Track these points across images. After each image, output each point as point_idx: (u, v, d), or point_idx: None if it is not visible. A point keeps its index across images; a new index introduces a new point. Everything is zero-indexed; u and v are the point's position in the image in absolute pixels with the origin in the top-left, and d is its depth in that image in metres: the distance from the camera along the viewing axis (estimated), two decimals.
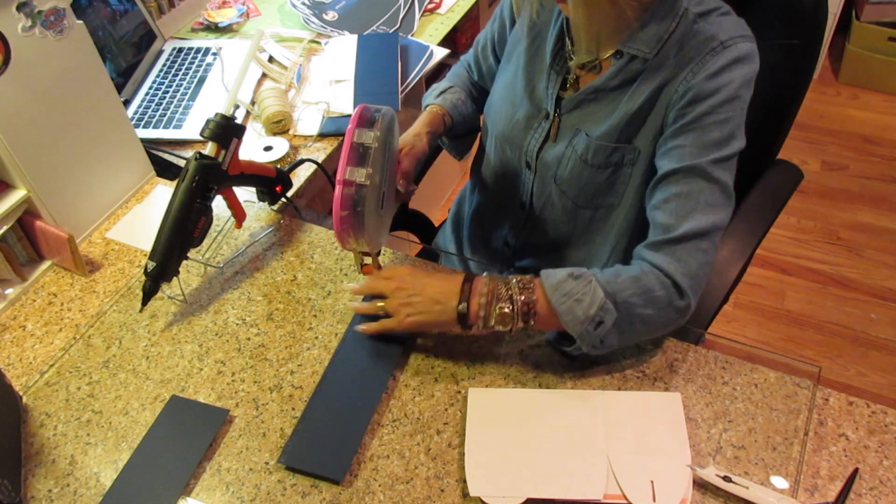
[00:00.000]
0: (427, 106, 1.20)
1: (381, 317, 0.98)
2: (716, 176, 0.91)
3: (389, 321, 0.96)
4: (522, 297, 0.89)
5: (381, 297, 0.99)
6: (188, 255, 1.06)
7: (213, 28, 1.71)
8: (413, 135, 1.11)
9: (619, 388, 0.94)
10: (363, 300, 1.04)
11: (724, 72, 0.90)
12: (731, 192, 0.93)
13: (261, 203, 1.23)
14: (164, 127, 1.42)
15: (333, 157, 1.38)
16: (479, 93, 1.26)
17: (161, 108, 1.47)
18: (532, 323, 0.90)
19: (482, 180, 1.23)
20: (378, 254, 1.03)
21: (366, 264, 1.04)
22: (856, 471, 0.83)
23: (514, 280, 0.91)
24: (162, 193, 1.28)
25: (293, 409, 0.94)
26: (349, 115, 1.42)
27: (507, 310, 0.89)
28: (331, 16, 1.72)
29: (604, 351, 0.92)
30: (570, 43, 1.00)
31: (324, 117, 1.42)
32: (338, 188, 0.90)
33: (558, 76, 1.02)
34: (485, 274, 0.93)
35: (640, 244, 0.94)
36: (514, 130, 1.09)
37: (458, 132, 1.24)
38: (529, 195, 1.12)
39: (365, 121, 0.92)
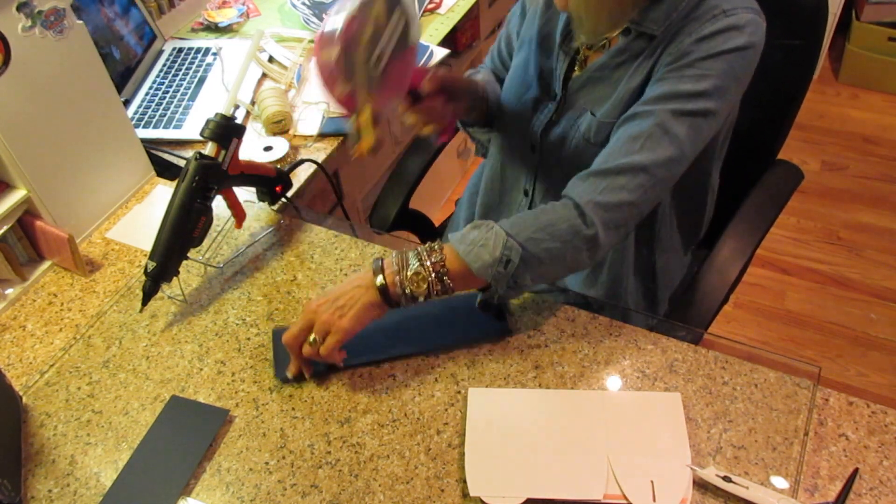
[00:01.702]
0: None
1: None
2: (668, 125, 0.90)
3: (330, 337, 0.90)
4: (432, 258, 0.90)
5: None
6: (188, 255, 1.06)
7: (213, 28, 1.71)
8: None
9: (619, 389, 0.94)
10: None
11: (717, 35, 0.89)
12: (683, 146, 0.92)
13: (261, 203, 1.23)
14: (164, 127, 1.42)
15: (333, 157, 1.38)
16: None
17: (161, 108, 1.47)
18: (448, 281, 0.90)
19: (488, 171, 1.23)
20: (378, 122, 0.94)
21: (363, 140, 0.94)
22: (856, 471, 0.83)
23: (421, 247, 0.92)
24: (162, 193, 1.28)
25: (293, 409, 0.94)
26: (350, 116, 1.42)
27: (421, 272, 0.89)
28: None
29: (520, 292, 0.94)
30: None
31: (324, 117, 1.42)
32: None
33: (566, 56, 1.02)
34: (393, 253, 0.93)
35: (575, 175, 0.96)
36: (523, 110, 1.09)
37: (488, 109, 1.18)
38: (534, 180, 1.12)
39: None
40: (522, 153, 1.12)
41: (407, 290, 0.90)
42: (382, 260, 0.92)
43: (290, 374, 0.96)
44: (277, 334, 1.01)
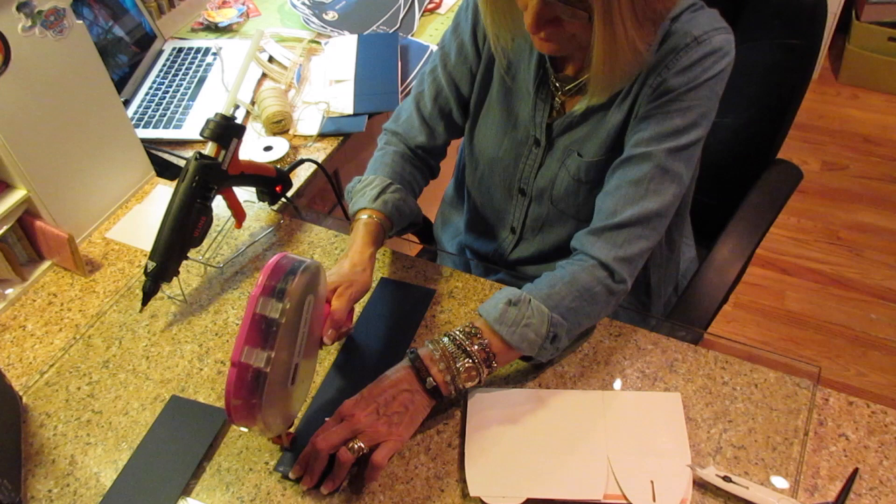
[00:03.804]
0: (359, 211, 1.02)
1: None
2: (668, 165, 0.91)
3: (387, 446, 0.84)
4: (476, 347, 0.87)
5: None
6: (188, 255, 1.06)
7: (213, 28, 1.71)
8: (351, 265, 0.95)
9: (619, 389, 0.94)
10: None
11: (695, 65, 0.89)
12: (683, 181, 0.93)
13: (261, 203, 1.23)
14: (164, 127, 1.42)
15: (334, 157, 1.38)
16: (420, 169, 1.13)
17: (161, 108, 1.47)
18: (495, 364, 0.88)
19: (472, 202, 1.21)
20: (290, 425, 0.88)
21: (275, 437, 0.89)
22: (856, 471, 0.83)
23: (459, 333, 0.88)
24: (162, 193, 1.28)
25: None
26: (349, 115, 1.42)
27: (469, 364, 0.86)
28: (331, 16, 1.72)
29: (557, 353, 0.93)
30: (554, 70, 0.99)
31: (324, 117, 1.42)
32: (231, 371, 0.74)
33: (545, 104, 1.01)
34: (427, 343, 0.89)
35: (582, 230, 0.95)
36: (505, 158, 1.08)
37: (396, 231, 1.09)
38: (522, 219, 1.12)
39: (272, 288, 0.76)
40: (508, 197, 1.12)
41: (460, 386, 0.88)
42: (419, 353, 0.88)
43: (301, 481, 0.86)
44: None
